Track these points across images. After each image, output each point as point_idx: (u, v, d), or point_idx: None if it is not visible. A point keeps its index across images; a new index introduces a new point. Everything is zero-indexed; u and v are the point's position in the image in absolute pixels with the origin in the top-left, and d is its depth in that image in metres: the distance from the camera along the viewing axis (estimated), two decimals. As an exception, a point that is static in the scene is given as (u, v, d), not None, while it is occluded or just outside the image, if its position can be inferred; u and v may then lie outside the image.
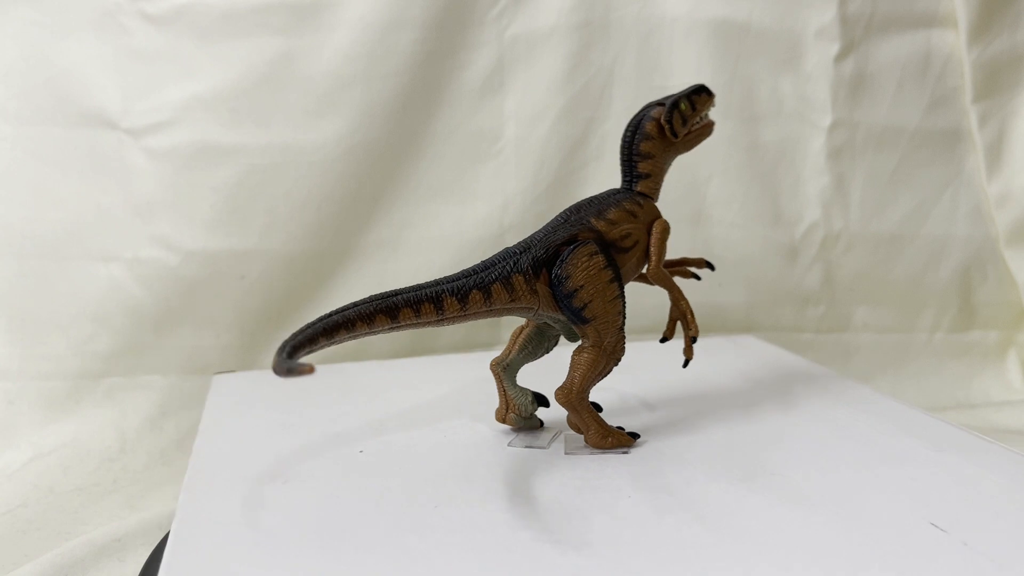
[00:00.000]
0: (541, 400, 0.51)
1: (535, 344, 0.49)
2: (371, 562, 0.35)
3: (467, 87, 0.82)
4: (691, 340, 0.49)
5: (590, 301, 0.44)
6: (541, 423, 0.51)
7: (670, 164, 0.51)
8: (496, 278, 0.43)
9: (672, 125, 0.49)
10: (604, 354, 0.45)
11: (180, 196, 0.78)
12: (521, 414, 0.50)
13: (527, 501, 0.41)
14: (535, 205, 0.83)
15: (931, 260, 0.87)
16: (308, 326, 0.39)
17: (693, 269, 0.53)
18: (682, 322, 0.49)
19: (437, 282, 0.43)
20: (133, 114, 0.77)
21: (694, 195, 0.85)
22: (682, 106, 0.50)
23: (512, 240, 0.84)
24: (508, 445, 0.48)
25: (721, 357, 0.67)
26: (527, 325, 0.49)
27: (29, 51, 0.76)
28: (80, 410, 0.78)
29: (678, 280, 0.51)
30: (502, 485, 0.43)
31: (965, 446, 0.47)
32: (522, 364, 0.50)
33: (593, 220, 0.46)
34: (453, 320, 0.43)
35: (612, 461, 0.45)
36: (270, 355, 0.81)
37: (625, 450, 0.47)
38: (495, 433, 0.50)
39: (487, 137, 0.83)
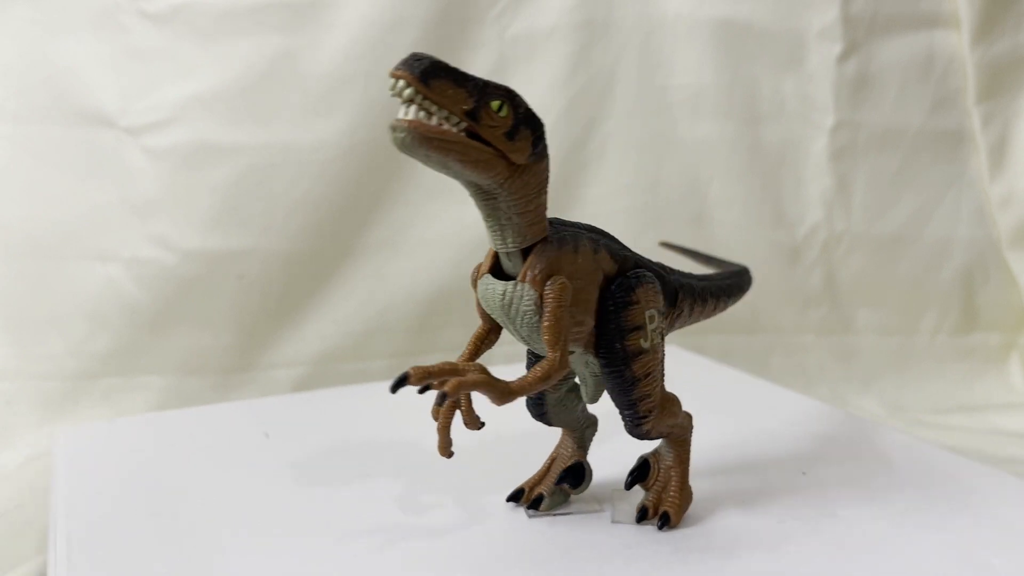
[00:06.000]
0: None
1: None
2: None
3: (467, 87, 0.81)
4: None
5: None
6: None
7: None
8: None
9: None
10: None
11: (178, 195, 0.78)
12: None
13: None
14: (535, 205, 0.83)
15: (933, 262, 0.87)
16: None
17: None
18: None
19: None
20: (131, 113, 0.77)
21: (695, 196, 0.84)
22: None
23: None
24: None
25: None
26: None
27: (27, 50, 0.76)
28: (77, 410, 0.77)
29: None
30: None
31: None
32: None
33: None
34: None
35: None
36: (269, 355, 0.81)
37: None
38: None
39: (487, 137, 0.82)
